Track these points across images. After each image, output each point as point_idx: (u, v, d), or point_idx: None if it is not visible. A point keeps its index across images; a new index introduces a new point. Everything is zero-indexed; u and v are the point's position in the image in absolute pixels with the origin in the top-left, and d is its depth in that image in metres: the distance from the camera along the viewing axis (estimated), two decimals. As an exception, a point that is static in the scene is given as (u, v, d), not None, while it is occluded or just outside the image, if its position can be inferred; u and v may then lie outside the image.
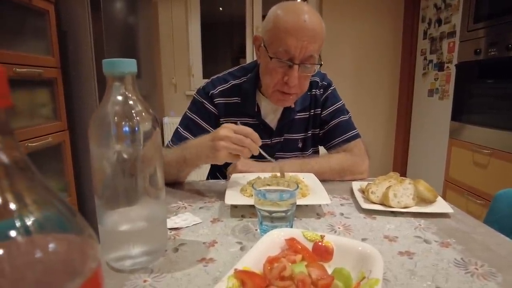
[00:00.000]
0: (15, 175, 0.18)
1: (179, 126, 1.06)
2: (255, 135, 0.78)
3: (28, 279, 0.15)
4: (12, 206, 0.17)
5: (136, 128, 0.50)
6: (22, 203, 0.18)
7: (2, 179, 0.17)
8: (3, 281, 0.15)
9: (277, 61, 0.90)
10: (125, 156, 0.50)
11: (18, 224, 0.17)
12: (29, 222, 0.17)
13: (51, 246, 0.16)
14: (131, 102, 0.51)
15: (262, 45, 0.95)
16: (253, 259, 0.45)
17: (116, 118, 0.50)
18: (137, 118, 0.50)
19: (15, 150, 0.19)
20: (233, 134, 0.77)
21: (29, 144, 1.43)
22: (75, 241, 0.17)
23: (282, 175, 0.85)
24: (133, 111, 0.50)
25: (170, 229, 0.65)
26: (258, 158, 0.87)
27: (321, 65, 0.94)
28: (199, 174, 1.16)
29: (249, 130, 0.78)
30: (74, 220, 0.19)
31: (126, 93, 0.51)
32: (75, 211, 0.21)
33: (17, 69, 1.37)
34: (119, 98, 0.51)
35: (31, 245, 0.16)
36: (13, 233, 0.16)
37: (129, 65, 0.50)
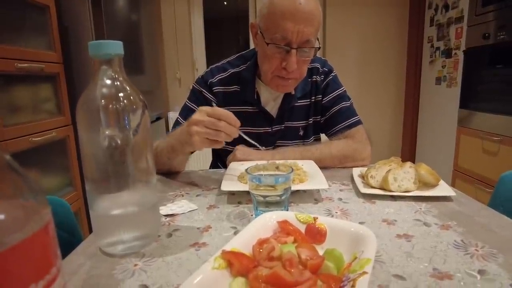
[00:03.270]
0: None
1: (179, 116, 1.06)
2: (231, 117, 0.73)
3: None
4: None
5: (125, 112, 0.49)
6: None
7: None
8: None
9: (274, 46, 0.89)
10: (114, 140, 0.50)
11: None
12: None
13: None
14: (118, 85, 0.50)
15: (259, 31, 0.93)
16: (243, 241, 0.44)
17: (103, 101, 0.49)
18: (125, 101, 0.50)
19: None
20: (206, 118, 0.73)
21: (33, 139, 1.44)
22: (21, 206, 0.17)
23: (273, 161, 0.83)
24: (121, 94, 0.50)
25: (165, 215, 0.65)
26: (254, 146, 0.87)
27: (319, 48, 0.92)
28: (201, 165, 1.15)
29: (223, 112, 0.73)
30: (27, 193, 0.19)
31: (114, 75, 0.50)
32: (36, 187, 0.20)
33: (19, 64, 1.37)
34: (107, 81, 0.50)
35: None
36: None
37: (115, 47, 0.49)
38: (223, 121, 0.72)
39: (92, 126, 0.50)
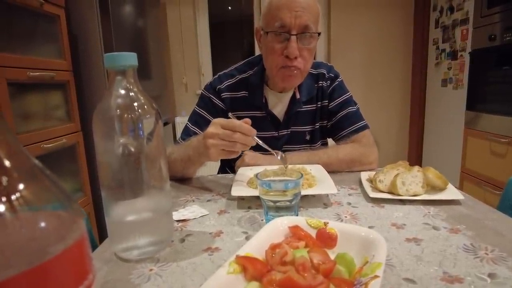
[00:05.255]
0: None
1: (188, 122, 1.08)
2: (245, 127, 0.73)
3: (15, 244, 0.16)
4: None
5: (139, 120, 0.51)
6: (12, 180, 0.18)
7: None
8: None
9: (274, 35, 0.92)
10: (128, 148, 0.51)
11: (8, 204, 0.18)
12: (18, 201, 0.18)
13: (38, 219, 0.17)
14: (133, 95, 0.52)
15: (261, 32, 0.97)
16: (256, 246, 0.45)
17: (118, 111, 0.50)
18: (139, 110, 0.51)
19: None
20: (220, 130, 0.74)
21: (44, 146, 1.47)
22: (61, 217, 0.19)
23: (285, 163, 0.84)
24: (135, 104, 0.51)
25: (177, 221, 0.66)
26: (265, 150, 0.88)
27: (319, 34, 0.94)
28: (209, 170, 1.16)
29: (237, 123, 0.74)
30: (63, 201, 0.20)
31: (128, 86, 0.52)
32: (68, 194, 0.22)
33: (31, 73, 1.40)
34: (122, 91, 0.51)
35: (19, 219, 0.17)
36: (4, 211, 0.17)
37: (130, 59, 0.51)
38: (238, 132, 0.73)
39: (107, 134, 0.51)
